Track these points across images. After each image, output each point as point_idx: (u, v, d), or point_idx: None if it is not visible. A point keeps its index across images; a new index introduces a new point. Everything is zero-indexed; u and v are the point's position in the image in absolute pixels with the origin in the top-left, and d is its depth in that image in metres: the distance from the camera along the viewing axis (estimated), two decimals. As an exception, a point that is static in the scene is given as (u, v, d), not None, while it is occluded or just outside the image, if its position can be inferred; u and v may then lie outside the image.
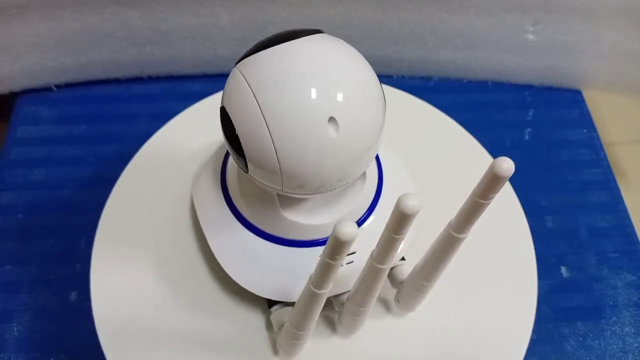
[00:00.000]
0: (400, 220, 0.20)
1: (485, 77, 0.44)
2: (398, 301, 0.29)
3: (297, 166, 0.22)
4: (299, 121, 0.22)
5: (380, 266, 0.22)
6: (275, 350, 0.28)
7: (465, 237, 0.23)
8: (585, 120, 0.43)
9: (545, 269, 0.35)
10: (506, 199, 0.34)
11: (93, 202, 0.34)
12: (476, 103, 0.43)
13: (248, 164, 0.23)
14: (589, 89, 0.45)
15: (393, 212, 0.20)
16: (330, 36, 0.24)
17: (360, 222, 0.27)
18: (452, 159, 0.35)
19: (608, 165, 0.41)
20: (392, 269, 0.29)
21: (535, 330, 0.30)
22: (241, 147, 0.23)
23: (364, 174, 0.27)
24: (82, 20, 0.39)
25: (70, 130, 0.40)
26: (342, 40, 0.24)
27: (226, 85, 0.24)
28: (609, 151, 0.42)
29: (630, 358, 0.33)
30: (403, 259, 0.29)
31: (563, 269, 0.36)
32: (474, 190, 0.21)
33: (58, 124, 0.40)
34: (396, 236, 0.20)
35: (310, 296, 0.22)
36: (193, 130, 0.35)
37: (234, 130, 0.23)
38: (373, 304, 0.26)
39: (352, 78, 0.23)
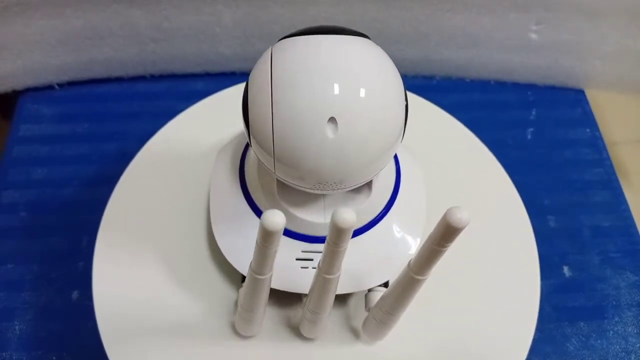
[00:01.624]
0: (337, 234, 0.20)
1: (487, 76, 0.44)
2: (364, 325, 0.28)
3: (290, 156, 0.23)
4: (301, 114, 0.22)
5: (326, 276, 0.22)
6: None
7: (425, 279, 0.23)
8: (588, 119, 0.43)
9: (547, 269, 0.35)
10: (508, 199, 0.34)
11: (95, 200, 0.34)
12: (479, 102, 0.43)
13: (250, 137, 0.24)
14: (592, 89, 0.45)
15: (330, 224, 0.20)
16: (370, 42, 0.24)
17: (360, 231, 0.27)
18: (454, 158, 0.35)
19: (611, 165, 0.41)
20: (369, 291, 0.28)
21: (538, 329, 0.30)
22: (248, 118, 0.23)
23: (370, 183, 0.26)
24: (84, 18, 0.39)
25: (72, 128, 0.40)
26: (378, 48, 0.24)
27: (260, 57, 0.24)
28: (611, 151, 0.42)
29: (632, 358, 0.33)
30: (386, 284, 0.28)
31: (565, 269, 0.36)
32: (430, 235, 0.21)
33: (60, 122, 0.40)
34: (336, 248, 0.21)
35: (251, 280, 0.23)
36: (195, 129, 0.35)
37: (247, 99, 0.23)
38: (327, 311, 0.25)
39: (368, 84, 0.22)
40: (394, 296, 0.24)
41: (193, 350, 0.28)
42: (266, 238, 0.20)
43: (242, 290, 0.25)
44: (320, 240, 0.27)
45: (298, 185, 0.24)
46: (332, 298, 0.24)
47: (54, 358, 0.31)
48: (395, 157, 0.29)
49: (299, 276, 0.27)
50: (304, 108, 0.22)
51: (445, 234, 0.20)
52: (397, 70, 0.24)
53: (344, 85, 0.22)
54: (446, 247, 0.21)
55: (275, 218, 0.19)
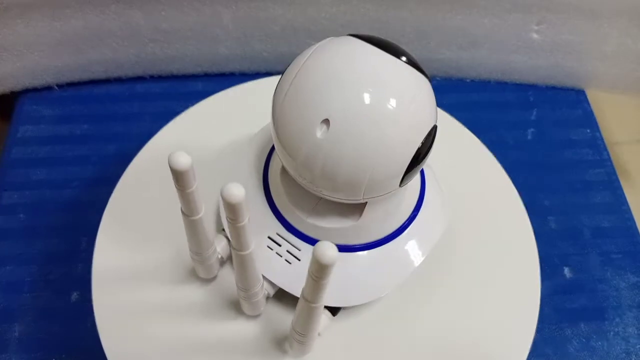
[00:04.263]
0: (228, 208, 0.20)
1: (488, 76, 0.44)
2: (288, 340, 0.28)
3: (285, 144, 0.23)
4: (303, 107, 0.23)
5: (238, 252, 0.23)
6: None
7: (320, 305, 0.22)
8: (588, 120, 0.43)
9: (548, 270, 0.35)
10: (509, 199, 0.34)
11: (95, 201, 0.34)
12: (479, 102, 0.43)
13: (272, 106, 0.24)
14: (593, 89, 0.45)
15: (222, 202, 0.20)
16: (416, 74, 0.23)
17: (343, 249, 0.27)
18: (455, 158, 0.35)
19: (611, 165, 0.41)
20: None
21: (538, 331, 0.30)
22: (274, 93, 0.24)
23: (362, 208, 0.26)
24: (83, 19, 0.39)
25: (71, 129, 0.40)
26: (422, 85, 0.23)
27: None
28: (612, 151, 0.42)
29: (633, 359, 0.33)
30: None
31: (566, 270, 0.36)
32: (309, 268, 0.20)
33: (60, 123, 0.40)
34: (233, 224, 0.21)
35: (185, 222, 0.25)
36: (195, 130, 0.35)
37: (282, 75, 0.24)
38: (252, 289, 0.26)
39: (376, 103, 0.22)
40: (299, 318, 0.24)
41: (197, 351, 0.28)
42: (176, 178, 0.21)
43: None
44: (296, 233, 0.27)
45: (295, 178, 0.25)
46: (251, 275, 0.24)
47: (54, 359, 0.31)
48: (422, 191, 0.29)
49: (261, 252, 0.27)
50: (307, 105, 0.22)
51: (316, 269, 0.19)
52: (430, 116, 0.23)
53: (350, 94, 0.22)
54: (324, 280, 0.20)
55: (180, 158, 0.20)
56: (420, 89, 0.23)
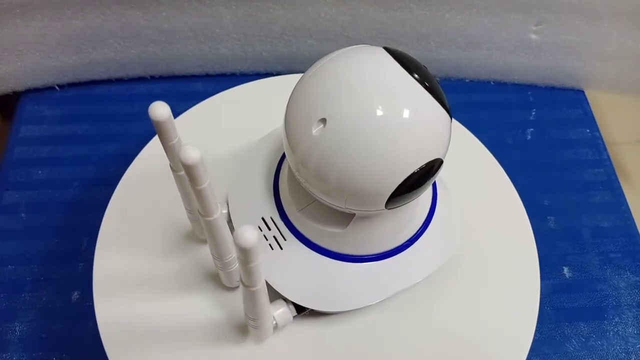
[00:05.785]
0: (186, 170, 0.20)
1: (487, 77, 0.44)
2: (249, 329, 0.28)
3: (288, 137, 0.24)
4: (308, 104, 0.23)
5: (204, 218, 0.23)
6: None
7: (258, 288, 0.22)
8: (588, 120, 0.43)
9: (547, 269, 0.36)
10: (508, 199, 0.34)
11: (96, 201, 0.34)
12: (479, 103, 0.43)
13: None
14: (592, 89, 0.45)
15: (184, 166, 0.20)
16: (433, 103, 0.23)
17: (331, 255, 0.27)
18: (454, 159, 0.35)
19: (611, 166, 0.41)
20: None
21: (538, 330, 0.30)
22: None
23: (350, 218, 0.26)
24: (85, 19, 0.39)
25: (73, 129, 0.40)
26: (430, 105, 0.23)
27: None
28: (612, 151, 0.42)
29: (632, 359, 0.33)
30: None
31: (565, 269, 0.36)
32: (237, 253, 0.20)
33: (61, 123, 0.41)
34: (196, 187, 0.21)
35: (174, 178, 0.25)
36: (196, 130, 0.35)
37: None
38: (225, 257, 0.26)
39: (377, 113, 0.22)
40: (244, 302, 0.24)
41: (197, 351, 0.28)
42: (157, 129, 0.22)
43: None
44: (287, 222, 0.28)
45: (295, 175, 0.25)
46: (221, 243, 0.24)
47: (54, 359, 0.31)
48: (429, 218, 0.29)
49: None
50: (308, 105, 0.23)
51: (238, 250, 0.19)
52: (434, 147, 0.23)
53: (352, 98, 0.22)
54: (250, 264, 0.20)
55: (160, 109, 0.21)
56: (430, 116, 0.23)
